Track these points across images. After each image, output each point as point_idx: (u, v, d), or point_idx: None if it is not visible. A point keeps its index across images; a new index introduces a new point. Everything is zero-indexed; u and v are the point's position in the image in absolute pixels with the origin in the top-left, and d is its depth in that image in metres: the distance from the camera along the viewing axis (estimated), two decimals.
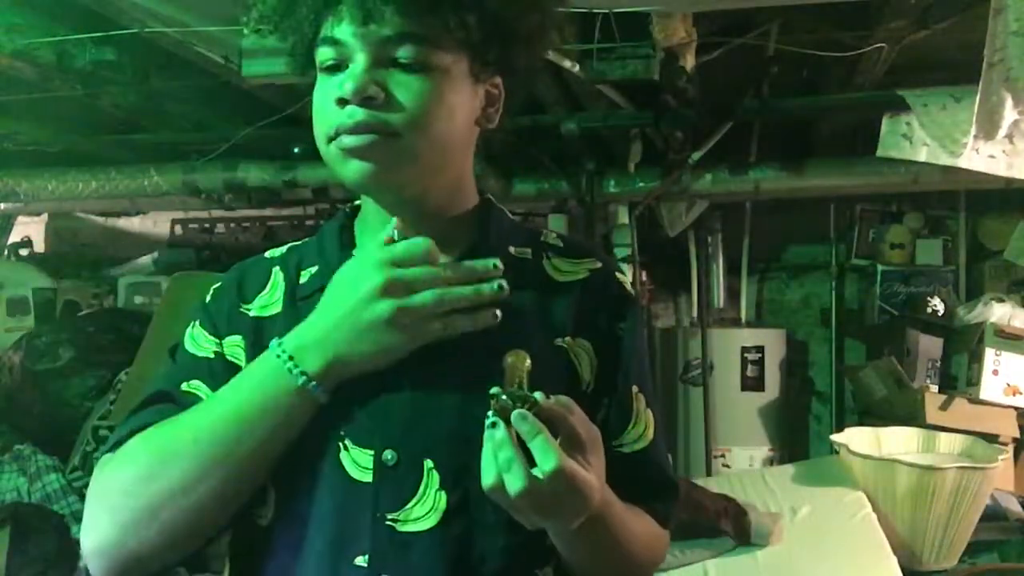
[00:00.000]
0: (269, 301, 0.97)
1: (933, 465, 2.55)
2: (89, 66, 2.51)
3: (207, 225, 4.62)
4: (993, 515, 2.85)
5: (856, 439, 2.80)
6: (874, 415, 3.54)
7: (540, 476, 0.77)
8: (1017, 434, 3.20)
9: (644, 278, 3.87)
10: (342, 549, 0.87)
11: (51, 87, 2.71)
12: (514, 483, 0.77)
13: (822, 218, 4.21)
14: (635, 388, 0.99)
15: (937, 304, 3.61)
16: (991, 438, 2.99)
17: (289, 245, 1.03)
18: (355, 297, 0.86)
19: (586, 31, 2.36)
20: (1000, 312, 3.43)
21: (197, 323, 0.98)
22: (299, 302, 0.95)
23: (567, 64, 2.42)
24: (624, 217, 3.60)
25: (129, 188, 3.70)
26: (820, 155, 3.64)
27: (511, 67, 0.95)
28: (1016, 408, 3.24)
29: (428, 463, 0.88)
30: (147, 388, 0.97)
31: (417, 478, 0.87)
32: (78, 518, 2.90)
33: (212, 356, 0.95)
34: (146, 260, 4.44)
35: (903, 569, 2.36)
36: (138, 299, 4.04)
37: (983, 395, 3.23)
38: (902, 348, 3.52)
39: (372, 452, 0.88)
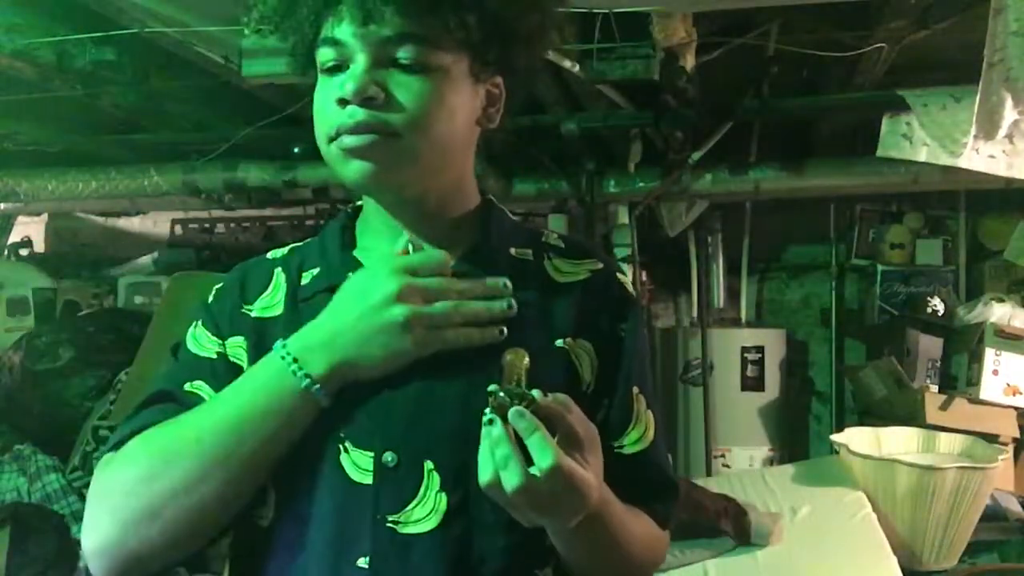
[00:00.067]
0: (271, 302, 0.97)
1: (933, 465, 2.54)
2: (89, 66, 2.52)
3: (207, 225, 4.62)
4: (993, 515, 2.85)
5: (856, 439, 2.80)
6: (874, 415, 3.54)
7: (537, 473, 0.77)
8: (1017, 434, 3.20)
9: (644, 278, 3.87)
10: (343, 551, 0.87)
11: (51, 87, 2.71)
12: (511, 480, 0.77)
13: (822, 218, 4.21)
14: (635, 389, 0.98)
15: (937, 304, 3.61)
16: (991, 438, 2.99)
17: (291, 246, 1.04)
18: (368, 302, 0.87)
19: (586, 31, 2.36)
20: (1000, 312, 3.43)
21: (199, 323, 0.98)
22: (301, 304, 0.95)
23: (567, 64, 2.42)
24: (624, 217, 3.60)
25: (129, 188, 3.70)
26: (820, 155, 3.64)
27: (511, 67, 0.95)
28: (1016, 408, 3.24)
29: (428, 464, 0.88)
30: (149, 387, 0.97)
31: (417, 479, 0.87)
32: (78, 518, 2.90)
33: (215, 356, 0.95)
34: (146, 260, 4.44)
35: (903, 569, 2.36)
36: (138, 299, 4.04)
37: (983, 395, 3.23)
38: (902, 348, 3.52)
39: (372, 454, 0.88)
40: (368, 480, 0.87)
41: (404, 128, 0.87)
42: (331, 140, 0.89)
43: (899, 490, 2.53)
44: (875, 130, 3.11)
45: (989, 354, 3.26)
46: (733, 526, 2.42)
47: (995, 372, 3.25)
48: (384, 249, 0.93)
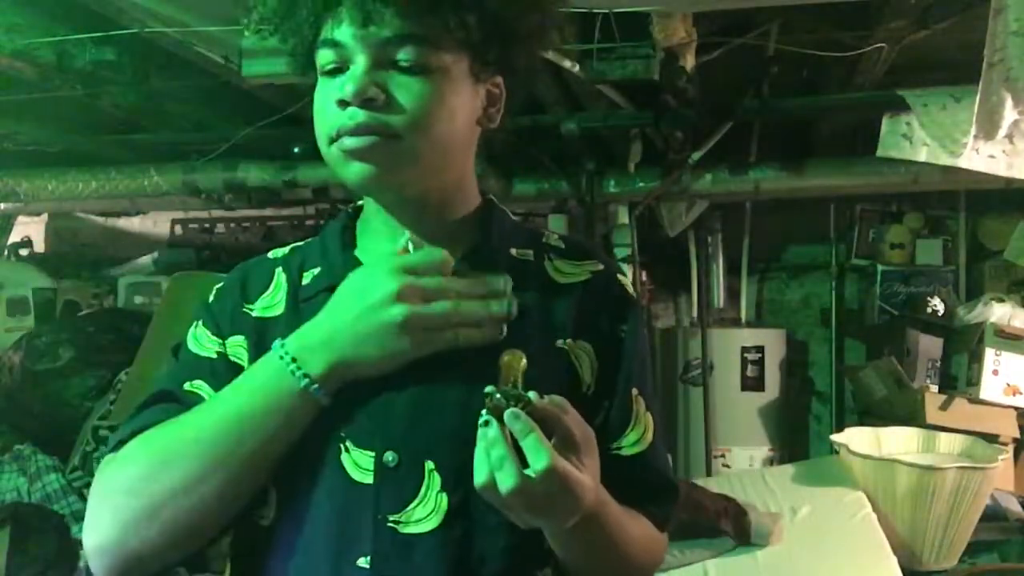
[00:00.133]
0: (272, 302, 0.97)
1: (933, 465, 2.55)
2: (89, 66, 2.52)
3: (207, 225, 4.62)
4: (993, 515, 2.85)
5: (856, 439, 2.80)
6: (874, 415, 3.54)
7: (532, 475, 0.77)
8: (1017, 434, 3.20)
9: (644, 278, 3.87)
10: (344, 550, 0.87)
11: (51, 87, 2.71)
12: (505, 481, 0.77)
13: (822, 218, 4.21)
14: (635, 391, 0.98)
15: (937, 304, 3.61)
16: (991, 438, 3.00)
17: (292, 246, 1.03)
18: (367, 301, 0.87)
19: (586, 31, 2.36)
20: (1000, 312, 3.43)
21: (200, 323, 0.98)
22: (301, 303, 0.95)
23: (567, 64, 2.42)
24: (624, 217, 3.61)
25: (129, 188, 3.70)
26: (820, 155, 3.64)
27: (511, 67, 0.95)
28: (1016, 408, 3.24)
29: (429, 464, 0.88)
30: (150, 387, 0.97)
31: (418, 479, 0.87)
32: (78, 518, 2.90)
33: (215, 356, 0.95)
34: (146, 260, 4.44)
35: (903, 569, 2.36)
36: (138, 299, 4.04)
37: (983, 395, 3.23)
38: (902, 348, 3.52)
39: (373, 453, 0.88)
40: (369, 480, 0.87)
41: (405, 129, 0.87)
42: (332, 142, 0.89)
43: (899, 490, 2.53)
44: (875, 130, 3.11)
45: (989, 354, 3.26)
46: (733, 526, 2.42)
47: (995, 372, 3.26)
48: (385, 249, 0.93)
